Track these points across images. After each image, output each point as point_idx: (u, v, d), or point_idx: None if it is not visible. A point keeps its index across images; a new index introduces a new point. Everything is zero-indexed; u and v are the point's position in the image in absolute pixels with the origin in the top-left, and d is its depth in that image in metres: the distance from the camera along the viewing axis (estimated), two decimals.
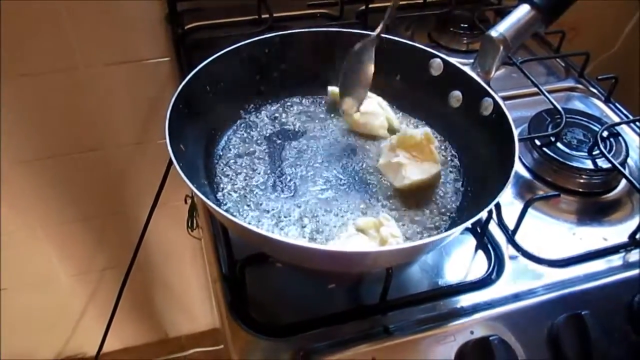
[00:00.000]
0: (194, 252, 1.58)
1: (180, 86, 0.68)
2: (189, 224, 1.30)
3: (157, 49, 1.11)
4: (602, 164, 0.80)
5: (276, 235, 0.62)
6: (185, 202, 1.29)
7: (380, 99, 0.81)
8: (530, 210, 0.73)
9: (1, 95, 1.06)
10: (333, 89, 0.81)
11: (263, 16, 1.04)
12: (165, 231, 1.44)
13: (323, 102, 0.84)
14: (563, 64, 1.07)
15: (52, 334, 1.68)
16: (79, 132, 1.20)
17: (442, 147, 0.77)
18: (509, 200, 0.79)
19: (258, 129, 0.79)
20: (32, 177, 1.23)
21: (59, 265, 1.46)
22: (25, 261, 1.41)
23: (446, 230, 0.66)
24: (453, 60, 0.76)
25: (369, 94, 0.80)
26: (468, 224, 0.56)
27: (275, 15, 1.03)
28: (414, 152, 0.71)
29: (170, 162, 0.59)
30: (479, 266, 0.71)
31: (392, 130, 0.80)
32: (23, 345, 1.65)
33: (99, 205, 1.37)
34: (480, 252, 0.72)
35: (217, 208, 0.54)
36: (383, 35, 0.75)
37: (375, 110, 0.79)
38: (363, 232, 0.64)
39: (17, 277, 1.44)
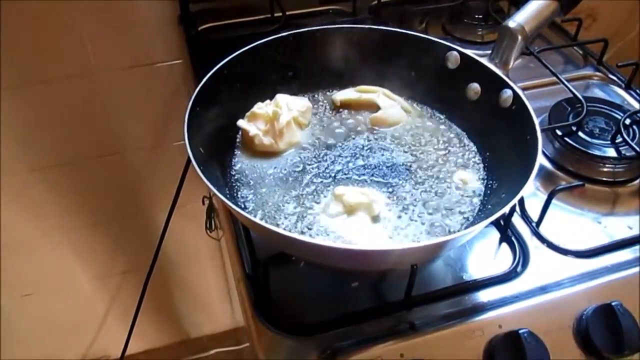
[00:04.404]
0: (213, 253, 1.59)
1: (197, 90, 0.68)
2: (207, 225, 1.30)
3: (171, 52, 1.11)
4: (626, 152, 0.79)
5: (298, 235, 0.62)
6: (203, 203, 1.29)
7: (383, 89, 0.81)
8: (553, 201, 0.72)
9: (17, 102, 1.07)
10: (341, 96, 0.81)
11: (276, 14, 1.04)
12: (184, 233, 1.45)
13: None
14: (581, 52, 1.05)
15: (77, 337, 1.70)
16: (96, 137, 1.21)
17: (462, 140, 0.76)
18: (531, 192, 0.78)
19: None
20: (50, 183, 1.25)
21: (80, 269, 1.48)
22: (48, 266, 1.43)
23: (470, 224, 0.65)
24: (469, 51, 0.75)
25: (373, 87, 0.81)
26: (492, 219, 0.56)
27: (288, 13, 1.02)
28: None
29: (188, 164, 0.59)
30: (503, 259, 0.70)
31: (409, 112, 0.80)
32: (48, 349, 1.67)
33: (117, 208, 1.38)
34: (504, 245, 0.72)
35: (239, 210, 0.54)
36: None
37: (389, 103, 0.79)
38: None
39: (40, 282, 1.46)
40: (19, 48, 1.01)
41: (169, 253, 1.51)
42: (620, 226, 0.74)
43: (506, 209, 0.56)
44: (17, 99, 1.07)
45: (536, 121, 0.64)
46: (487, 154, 0.73)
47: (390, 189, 0.70)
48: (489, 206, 0.66)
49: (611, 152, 0.79)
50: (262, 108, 0.75)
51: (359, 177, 0.71)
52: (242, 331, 1.82)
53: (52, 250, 1.39)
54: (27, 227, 1.31)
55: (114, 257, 1.50)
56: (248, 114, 0.75)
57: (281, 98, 0.77)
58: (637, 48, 1.45)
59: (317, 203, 0.67)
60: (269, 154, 0.74)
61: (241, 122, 0.74)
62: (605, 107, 0.86)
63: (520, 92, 0.68)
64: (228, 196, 0.67)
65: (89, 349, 1.74)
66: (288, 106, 0.76)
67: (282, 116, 0.74)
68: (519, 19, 0.70)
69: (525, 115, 0.66)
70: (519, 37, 0.70)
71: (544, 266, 0.68)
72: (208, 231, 1.31)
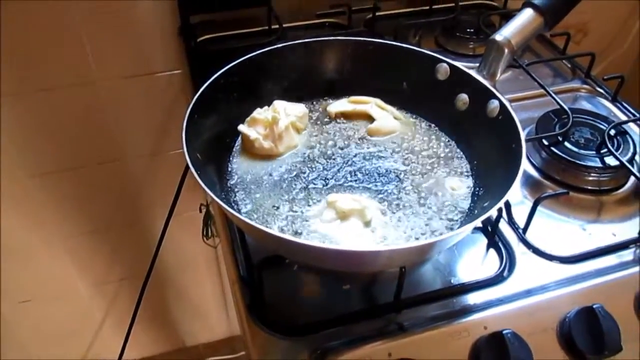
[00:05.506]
0: (209, 261, 1.60)
1: (195, 98, 0.70)
2: (204, 233, 1.32)
3: (171, 62, 1.13)
4: (610, 161, 0.81)
5: (290, 236, 0.64)
6: (200, 211, 1.31)
7: (375, 99, 0.84)
8: (540, 209, 0.75)
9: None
10: (336, 107, 0.84)
11: (273, 27, 1.06)
12: (180, 240, 1.46)
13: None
14: (569, 65, 1.08)
15: (73, 344, 1.70)
16: (95, 144, 1.22)
17: (451, 149, 0.79)
18: (518, 199, 0.80)
19: None
20: (50, 189, 1.26)
21: (78, 276, 1.48)
22: (46, 273, 1.44)
23: (457, 229, 0.68)
24: (458, 64, 0.78)
25: (366, 98, 0.83)
26: (478, 221, 0.58)
27: (284, 25, 1.05)
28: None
29: (186, 172, 0.61)
30: (490, 264, 0.72)
31: (400, 122, 0.83)
32: (46, 355, 1.68)
33: (115, 215, 1.39)
34: (491, 250, 0.74)
35: (233, 212, 0.56)
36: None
37: (383, 114, 0.81)
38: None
39: (39, 289, 1.47)
40: (19, 55, 1.03)
41: (166, 261, 1.52)
42: (604, 233, 0.76)
43: (492, 212, 0.59)
44: (17, 106, 1.09)
45: (521, 130, 0.66)
46: (475, 162, 0.76)
47: (381, 196, 0.72)
48: (476, 212, 0.68)
49: (596, 162, 0.81)
50: (261, 113, 0.78)
51: (351, 183, 0.73)
52: (238, 340, 1.83)
53: (51, 257, 1.40)
54: (26, 234, 1.32)
55: (112, 264, 1.51)
56: (248, 119, 0.78)
57: (279, 104, 0.80)
58: (628, 62, 1.48)
59: (310, 208, 0.69)
60: (265, 158, 0.77)
61: (242, 127, 0.77)
62: (590, 118, 0.89)
63: (506, 102, 0.70)
64: (224, 200, 0.69)
65: (86, 355, 1.75)
66: (285, 111, 0.79)
67: (280, 121, 0.77)
68: (505, 33, 0.73)
69: (511, 124, 0.68)
70: (506, 50, 0.73)
71: (530, 271, 0.71)
72: (205, 239, 1.32)
